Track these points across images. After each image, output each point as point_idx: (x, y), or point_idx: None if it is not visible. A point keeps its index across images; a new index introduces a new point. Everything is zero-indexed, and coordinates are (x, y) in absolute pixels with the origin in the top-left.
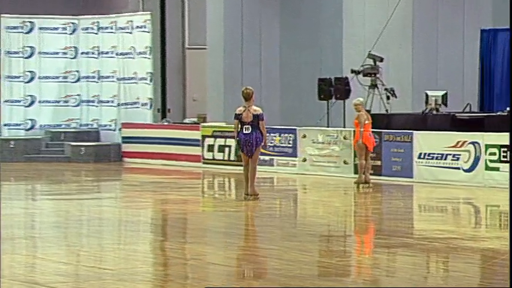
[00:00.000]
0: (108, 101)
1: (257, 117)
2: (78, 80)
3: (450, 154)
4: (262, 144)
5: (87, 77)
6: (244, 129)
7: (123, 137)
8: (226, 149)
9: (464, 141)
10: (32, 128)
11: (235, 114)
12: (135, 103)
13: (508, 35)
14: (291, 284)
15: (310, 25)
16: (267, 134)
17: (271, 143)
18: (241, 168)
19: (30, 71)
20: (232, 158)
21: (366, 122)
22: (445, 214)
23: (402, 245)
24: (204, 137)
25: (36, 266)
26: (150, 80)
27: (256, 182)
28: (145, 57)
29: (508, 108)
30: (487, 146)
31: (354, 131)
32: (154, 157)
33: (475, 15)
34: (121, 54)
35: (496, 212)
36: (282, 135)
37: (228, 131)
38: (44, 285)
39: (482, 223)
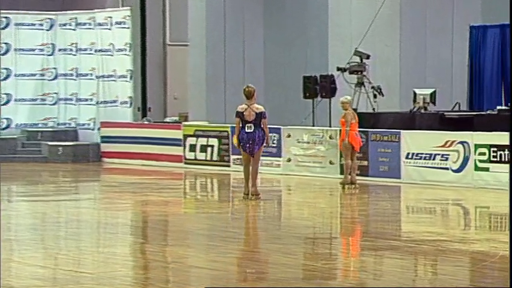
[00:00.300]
0: (86, 100)
1: (260, 116)
2: (55, 78)
3: (439, 154)
4: (265, 143)
5: (65, 75)
6: (246, 128)
7: (102, 137)
8: (209, 149)
9: (453, 141)
10: (7, 127)
11: (237, 112)
12: (114, 101)
13: (497, 31)
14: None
15: (295, 21)
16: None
17: None
18: (225, 168)
19: (5, 68)
20: (215, 158)
21: (353, 121)
22: (434, 216)
23: (389, 247)
24: (185, 136)
25: (12, 269)
26: (130, 78)
27: (240, 183)
28: (125, 54)
29: (498, 107)
30: (477, 146)
31: (340, 130)
32: (135, 157)
33: (464, 11)
34: (100, 51)
35: (485, 214)
36: None
37: (211, 130)
38: None
39: (472, 225)
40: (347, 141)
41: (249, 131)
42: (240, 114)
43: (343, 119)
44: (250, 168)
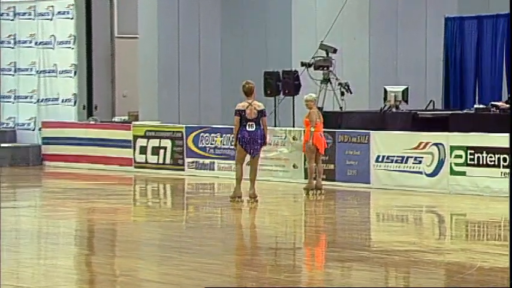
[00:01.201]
0: (26, 97)
1: (261, 113)
2: None
3: (411, 157)
4: (265, 142)
5: (2, 70)
6: (248, 126)
7: (44, 138)
8: (161, 151)
9: (427, 143)
10: None
11: (237, 110)
12: (56, 99)
13: (475, 23)
14: None
15: (255, 11)
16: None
17: (212, 144)
18: (178, 173)
19: None
20: (167, 161)
21: (317, 120)
22: (406, 224)
23: (358, 258)
24: (135, 137)
25: None
26: (74, 73)
27: (195, 189)
28: (69, 47)
29: (475, 106)
30: (452, 148)
31: (304, 130)
32: (79, 160)
33: (438, 1)
34: (41, 43)
35: (462, 222)
36: (224, 135)
37: (163, 131)
38: None
39: (447, 234)
40: (311, 142)
41: (250, 129)
42: (240, 112)
43: (307, 118)
44: (248, 169)
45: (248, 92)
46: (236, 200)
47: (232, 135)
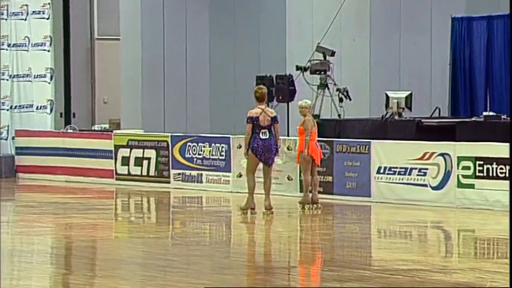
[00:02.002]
0: None
1: (274, 120)
2: None
3: (415, 168)
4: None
5: None
6: (261, 134)
7: (17, 148)
8: (145, 162)
9: (433, 153)
10: None
11: (250, 117)
12: (31, 106)
13: (484, 24)
14: None
15: (247, 11)
16: None
17: (200, 154)
18: (164, 185)
19: None
20: (152, 173)
21: (312, 129)
22: (410, 241)
23: (358, 278)
24: (117, 147)
25: None
26: (51, 78)
27: (182, 203)
28: (44, 50)
29: (484, 113)
30: (460, 159)
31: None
32: (56, 172)
33: (444, 1)
34: (14, 45)
35: (470, 238)
36: (213, 145)
37: (147, 140)
38: None
39: (454, 251)
40: (306, 153)
41: (264, 137)
42: (253, 120)
43: (301, 126)
44: (262, 180)
45: (260, 98)
46: (249, 211)
47: (221, 146)
